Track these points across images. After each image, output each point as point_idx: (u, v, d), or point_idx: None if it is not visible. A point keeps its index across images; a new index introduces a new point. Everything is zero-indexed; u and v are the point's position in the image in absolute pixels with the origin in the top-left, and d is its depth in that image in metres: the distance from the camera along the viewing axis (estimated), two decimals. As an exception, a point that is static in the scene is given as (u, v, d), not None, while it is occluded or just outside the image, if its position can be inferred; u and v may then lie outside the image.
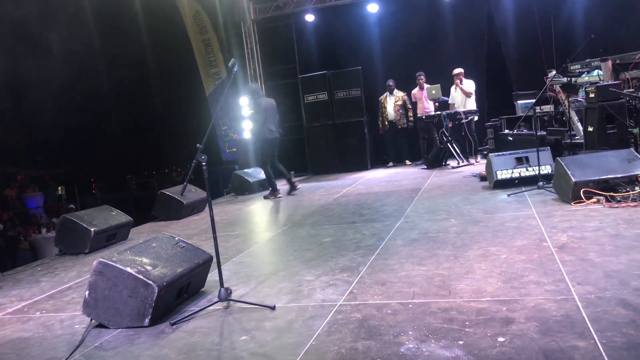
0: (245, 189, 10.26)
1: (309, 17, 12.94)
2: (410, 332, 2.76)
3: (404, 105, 11.52)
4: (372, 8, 12.26)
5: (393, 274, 3.81)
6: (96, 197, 21.61)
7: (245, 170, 10.92)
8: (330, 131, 12.22)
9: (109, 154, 26.13)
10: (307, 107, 12.43)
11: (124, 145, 26.46)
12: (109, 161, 25.92)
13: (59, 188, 21.86)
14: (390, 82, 11.54)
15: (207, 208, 8.66)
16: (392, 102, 11.57)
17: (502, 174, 6.80)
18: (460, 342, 2.56)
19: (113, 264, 3.35)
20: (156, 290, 3.29)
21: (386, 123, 11.66)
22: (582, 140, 7.69)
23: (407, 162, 11.79)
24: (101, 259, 3.39)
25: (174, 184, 16.76)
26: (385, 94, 11.69)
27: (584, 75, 8.43)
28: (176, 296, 3.60)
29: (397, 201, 6.97)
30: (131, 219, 6.97)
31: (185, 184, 3.56)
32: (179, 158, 26.75)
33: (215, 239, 3.57)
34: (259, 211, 8.32)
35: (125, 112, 26.06)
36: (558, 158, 5.74)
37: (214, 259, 3.68)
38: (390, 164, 11.89)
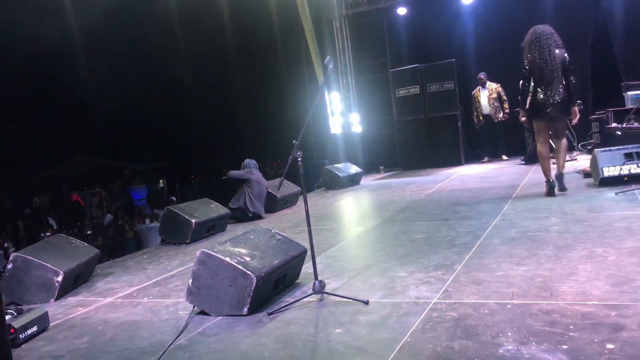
0: (335, 184, 10.37)
1: (401, 11, 12.81)
2: (509, 334, 2.67)
3: (498, 98, 11.08)
4: (467, -1, 11.91)
5: (490, 274, 3.69)
6: (194, 189, 22.72)
7: (335, 165, 11.03)
8: (422, 125, 12.04)
9: (205, 149, 27.42)
10: (397, 101, 12.32)
11: (219, 139, 27.67)
12: (205, 155, 27.20)
13: (160, 181, 23.29)
14: (482, 75, 11.14)
15: (299, 202, 8.89)
16: (485, 95, 11.17)
17: (609, 171, 6.35)
18: (564, 347, 2.44)
19: (215, 254, 3.52)
20: (254, 281, 3.42)
21: (481, 117, 11.29)
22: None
23: (504, 157, 11.35)
24: (204, 250, 3.57)
25: (266, 178, 17.28)
26: (478, 87, 11.31)
27: None
28: (273, 287, 3.72)
29: (494, 198, 6.74)
30: (229, 212, 7.28)
31: (282, 179, 3.67)
32: (271, 152, 27.58)
33: (310, 232, 3.64)
34: (349, 206, 8.38)
35: (219, 107, 27.26)
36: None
37: (309, 252, 3.76)
38: (486, 159, 11.51)
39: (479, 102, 11.27)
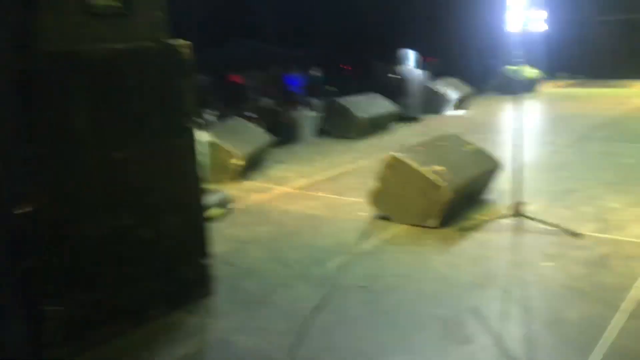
0: (508, 88, 9.38)
1: None
2: None
3: None
4: None
5: None
6: (351, 82, 22.47)
7: (510, 67, 9.93)
8: (625, 27, 10.32)
9: (366, 41, 26.71)
10: (597, -4, 10.59)
11: (380, 34, 26.71)
12: (362, 46, 26.52)
13: (318, 69, 23.28)
14: None
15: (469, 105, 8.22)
16: None
17: None
18: None
19: (406, 161, 3.22)
20: (447, 193, 3.09)
21: None
22: None
23: None
24: (395, 154, 3.28)
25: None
26: None
27: None
28: (464, 201, 3.37)
29: None
30: (395, 109, 6.91)
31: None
32: (430, 48, 26.11)
33: (517, 146, 3.17)
34: (529, 116, 7.53)
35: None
36: None
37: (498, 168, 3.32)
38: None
39: None
